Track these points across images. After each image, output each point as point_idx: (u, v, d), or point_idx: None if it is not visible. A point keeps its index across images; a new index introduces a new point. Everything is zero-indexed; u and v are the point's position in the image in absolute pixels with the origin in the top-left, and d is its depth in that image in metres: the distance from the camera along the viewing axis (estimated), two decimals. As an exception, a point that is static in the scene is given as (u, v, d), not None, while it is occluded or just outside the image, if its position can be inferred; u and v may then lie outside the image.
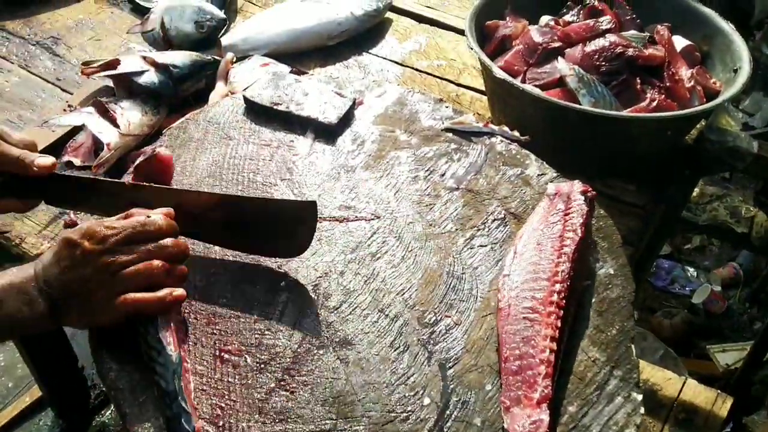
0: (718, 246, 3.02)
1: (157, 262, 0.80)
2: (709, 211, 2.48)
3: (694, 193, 2.58)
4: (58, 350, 1.93)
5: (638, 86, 1.21)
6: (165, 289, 0.81)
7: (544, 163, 1.13)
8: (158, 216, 0.83)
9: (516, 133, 1.18)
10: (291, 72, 1.31)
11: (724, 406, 1.88)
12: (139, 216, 0.82)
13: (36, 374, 2.01)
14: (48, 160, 0.89)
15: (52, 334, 1.74)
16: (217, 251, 0.98)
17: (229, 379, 0.83)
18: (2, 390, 2.24)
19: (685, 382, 1.92)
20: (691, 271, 2.94)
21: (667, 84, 1.20)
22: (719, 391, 1.91)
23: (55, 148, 1.24)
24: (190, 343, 0.86)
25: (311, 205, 0.95)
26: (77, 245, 0.78)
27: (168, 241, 0.82)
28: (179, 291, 0.82)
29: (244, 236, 0.95)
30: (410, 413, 0.79)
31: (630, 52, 1.21)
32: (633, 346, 0.88)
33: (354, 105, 1.22)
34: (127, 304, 0.78)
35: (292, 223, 0.94)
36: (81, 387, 2.15)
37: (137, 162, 1.03)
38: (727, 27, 1.28)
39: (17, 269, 0.81)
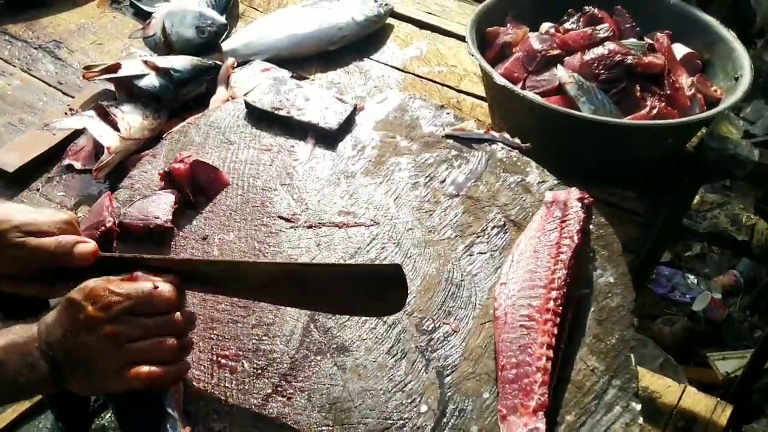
0: (719, 254, 3.01)
1: (170, 341, 0.75)
2: (709, 219, 2.48)
3: (695, 201, 2.57)
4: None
5: (638, 94, 1.21)
6: (177, 364, 0.76)
7: (545, 170, 1.13)
8: (166, 287, 0.76)
9: (517, 140, 1.17)
10: (292, 77, 1.31)
11: (723, 414, 1.87)
12: (145, 284, 0.76)
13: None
14: (87, 248, 0.82)
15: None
16: (215, 255, 0.98)
17: (226, 384, 0.83)
18: (1, 392, 2.24)
19: (684, 390, 1.92)
20: (692, 278, 2.93)
21: (668, 92, 1.20)
22: (719, 399, 1.90)
23: (57, 152, 1.24)
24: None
25: (396, 270, 0.79)
26: (81, 309, 0.73)
27: (177, 315, 0.76)
28: (187, 365, 0.78)
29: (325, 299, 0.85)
30: (407, 420, 0.79)
31: (629, 60, 1.21)
32: (632, 355, 0.88)
33: (355, 110, 1.22)
34: (140, 377, 0.73)
35: (378, 287, 0.81)
36: (80, 390, 2.15)
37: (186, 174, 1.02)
38: (729, 35, 1.28)
39: (20, 328, 0.76)
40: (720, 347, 2.72)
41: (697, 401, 1.89)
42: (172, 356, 0.75)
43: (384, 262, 0.96)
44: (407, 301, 0.82)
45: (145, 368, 0.73)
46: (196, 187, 1.05)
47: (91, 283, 0.75)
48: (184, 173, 1.03)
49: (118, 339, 0.73)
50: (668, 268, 2.95)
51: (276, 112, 1.19)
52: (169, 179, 1.04)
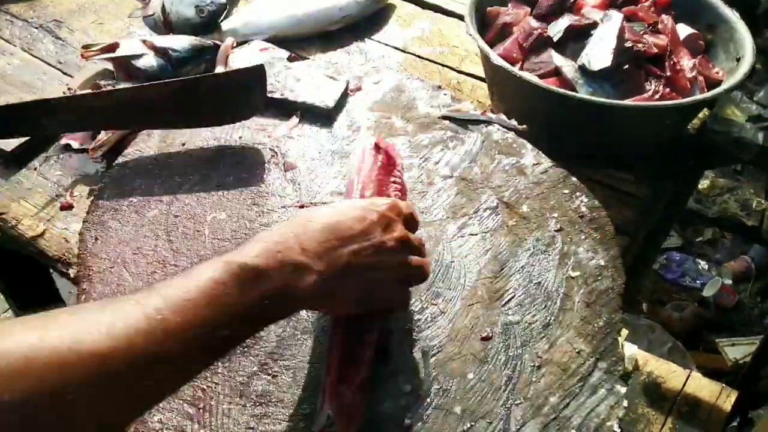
0: (730, 239, 2.98)
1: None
2: (719, 204, 2.44)
3: (705, 186, 2.54)
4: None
5: (641, 77, 1.19)
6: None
7: (540, 152, 1.12)
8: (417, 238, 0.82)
9: (514, 122, 1.16)
10: (290, 57, 1.30)
11: (728, 400, 1.85)
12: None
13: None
14: None
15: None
16: (206, 234, 0.98)
17: (212, 363, 0.83)
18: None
19: (689, 375, 1.90)
20: (702, 264, 2.90)
21: (668, 74, 1.18)
22: (724, 384, 1.88)
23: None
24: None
25: (259, 69, 1.09)
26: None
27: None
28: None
29: (198, 113, 1.09)
30: (390, 399, 0.79)
31: (639, 47, 1.18)
32: (620, 338, 0.88)
33: (347, 88, 1.21)
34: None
35: (243, 91, 1.09)
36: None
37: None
38: (732, 15, 1.25)
39: None
40: (730, 333, 2.70)
41: (701, 386, 1.87)
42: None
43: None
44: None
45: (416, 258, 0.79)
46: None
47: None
48: None
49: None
50: (679, 254, 2.92)
51: (270, 95, 1.18)
52: None
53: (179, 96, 1.07)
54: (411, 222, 0.82)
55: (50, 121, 1.07)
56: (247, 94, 1.11)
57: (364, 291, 0.75)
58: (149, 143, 1.13)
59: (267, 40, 1.42)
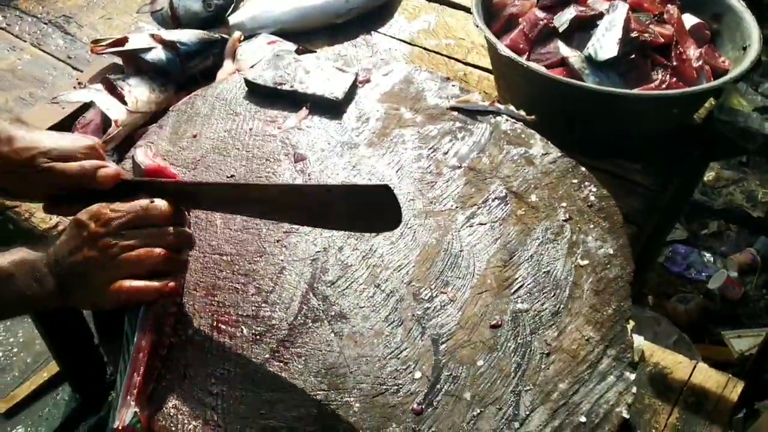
0: (736, 231, 2.97)
1: (158, 250, 0.80)
2: (725, 196, 2.44)
3: (710, 177, 2.54)
4: (74, 327, 1.96)
5: (647, 67, 1.19)
6: (161, 281, 0.80)
7: (549, 143, 1.12)
8: (162, 202, 0.82)
9: (522, 113, 1.17)
10: (297, 50, 1.31)
11: (735, 391, 1.86)
12: (142, 200, 0.82)
13: (53, 350, 2.05)
14: (109, 171, 0.86)
15: (68, 310, 1.78)
16: (218, 225, 0.99)
17: (225, 349, 0.84)
18: (21, 365, 2.29)
19: (695, 366, 1.91)
20: (708, 256, 2.90)
21: (674, 63, 1.18)
22: (730, 375, 1.89)
23: (65, 125, 1.26)
24: (189, 313, 0.88)
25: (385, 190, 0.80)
26: (85, 227, 0.79)
27: (171, 228, 0.82)
28: (173, 284, 0.81)
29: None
30: (401, 386, 0.80)
31: (645, 37, 1.18)
32: (629, 326, 0.88)
33: (357, 79, 1.22)
34: (121, 291, 0.78)
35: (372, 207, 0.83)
36: (97, 362, 2.19)
37: None
38: (738, 4, 1.25)
39: (30, 246, 0.81)
40: (735, 326, 2.70)
41: (708, 377, 1.87)
42: (159, 267, 0.80)
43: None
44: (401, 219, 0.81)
45: (128, 282, 0.78)
46: None
47: (95, 205, 0.81)
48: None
49: (111, 251, 0.78)
50: (684, 246, 2.92)
51: (279, 87, 1.19)
52: None
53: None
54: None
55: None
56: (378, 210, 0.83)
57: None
58: (161, 135, 1.14)
59: (274, 34, 1.43)
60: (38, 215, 1.13)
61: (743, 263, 2.87)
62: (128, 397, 0.77)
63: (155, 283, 0.80)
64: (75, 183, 0.86)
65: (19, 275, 0.78)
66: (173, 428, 0.77)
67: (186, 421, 0.78)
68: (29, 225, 1.13)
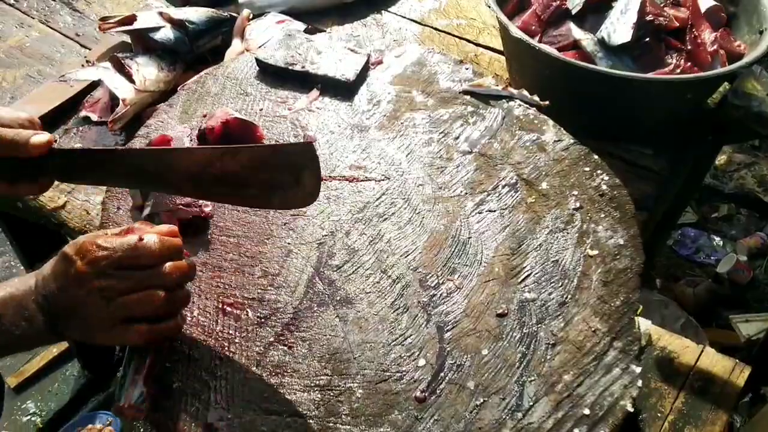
0: (746, 215, 2.95)
1: (158, 294, 0.75)
2: (736, 179, 2.41)
3: (722, 161, 2.51)
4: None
5: (661, 51, 1.17)
6: (171, 319, 0.78)
7: (562, 129, 1.10)
8: (152, 239, 0.76)
9: (536, 98, 1.15)
10: (306, 30, 1.30)
11: (741, 375, 1.85)
12: (131, 237, 0.76)
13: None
14: (42, 138, 0.81)
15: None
16: (227, 206, 0.99)
17: (230, 332, 0.84)
18: (32, 340, 2.32)
19: (702, 351, 1.90)
20: (717, 240, 2.88)
21: (689, 47, 1.16)
22: (737, 360, 1.88)
23: (74, 104, 1.26)
24: (195, 294, 0.88)
25: (308, 147, 0.81)
26: (72, 263, 0.74)
27: (168, 266, 0.76)
28: (179, 324, 0.79)
29: (245, 189, 0.85)
30: (404, 373, 0.80)
31: (660, 21, 1.16)
32: (636, 318, 0.87)
33: (369, 61, 1.20)
34: (141, 333, 0.75)
35: (294, 170, 0.82)
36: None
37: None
38: (756, -13, 1.23)
39: (18, 280, 0.78)
40: (744, 310, 2.69)
41: (715, 362, 1.86)
42: (164, 309, 0.76)
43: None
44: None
45: (146, 326, 0.75)
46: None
47: (82, 238, 0.76)
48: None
49: (105, 293, 0.73)
50: (693, 230, 2.90)
51: (290, 67, 1.18)
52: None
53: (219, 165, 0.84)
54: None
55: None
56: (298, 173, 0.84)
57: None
58: (171, 114, 1.13)
59: (283, 13, 1.41)
60: (46, 194, 1.13)
61: (753, 247, 2.85)
62: (137, 376, 0.78)
63: (167, 324, 0.77)
64: (7, 150, 0.80)
65: (7, 314, 0.75)
66: (178, 409, 0.78)
67: (190, 402, 0.78)
68: (37, 204, 1.13)
